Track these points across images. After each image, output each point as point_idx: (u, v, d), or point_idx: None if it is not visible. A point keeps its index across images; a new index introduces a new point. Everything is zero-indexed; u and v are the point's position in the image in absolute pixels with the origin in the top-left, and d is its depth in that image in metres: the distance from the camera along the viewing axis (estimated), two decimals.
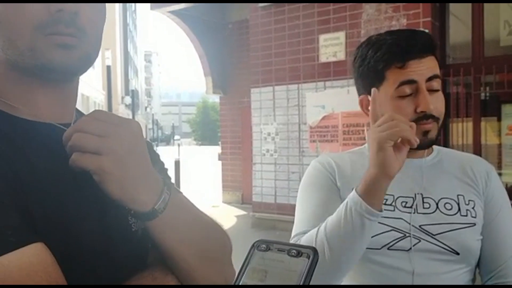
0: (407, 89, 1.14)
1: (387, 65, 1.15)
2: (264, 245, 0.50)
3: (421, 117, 1.13)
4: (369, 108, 1.18)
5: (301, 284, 0.45)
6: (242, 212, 8.73)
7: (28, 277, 0.54)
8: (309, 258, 0.47)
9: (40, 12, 0.64)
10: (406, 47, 1.13)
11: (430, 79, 1.14)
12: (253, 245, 0.50)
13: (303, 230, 1.14)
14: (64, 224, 0.62)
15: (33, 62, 0.65)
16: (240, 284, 0.47)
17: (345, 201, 1.04)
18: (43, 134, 0.66)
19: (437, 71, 1.17)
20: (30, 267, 0.55)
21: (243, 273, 0.48)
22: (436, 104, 1.15)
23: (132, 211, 0.65)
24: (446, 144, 5.87)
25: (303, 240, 1.09)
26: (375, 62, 1.17)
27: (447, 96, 5.93)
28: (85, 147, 0.60)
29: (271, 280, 0.47)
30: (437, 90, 1.17)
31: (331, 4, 6.35)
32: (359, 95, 1.25)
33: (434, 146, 1.30)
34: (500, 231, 1.19)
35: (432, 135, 1.16)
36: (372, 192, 1.00)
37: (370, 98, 1.19)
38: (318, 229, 1.07)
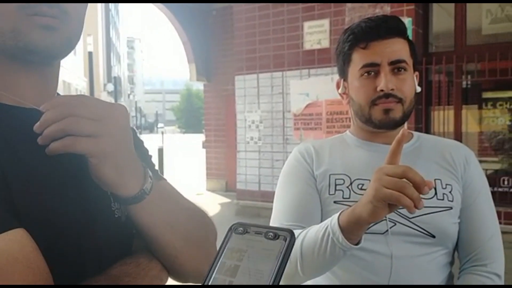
0: (370, 69, 1.19)
1: (352, 46, 1.22)
2: (241, 228, 0.50)
3: (381, 96, 1.17)
4: (339, 90, 1.29)
5: (278, 263, 0.45)
6: (226, 200, 8.75)
7: (7, 263, 0.54)
8: (285, 241, 0.47)
9: None
10: (369, 29, 1.19)
11: (394, 63, 1.18)
12: (230, 228, 0.50)
13: (281, 225, 1.16)
14: (47, 212, 0.61)
15: (15, 43, 0.64)
16: (218, 263, 0.48)
17: (326, 224, 1.02)
18: (25, 120, 0.64)
19: (403, 55, 1.19)
20: (11, 252, 0.54)
21: (221, 253, 0.48)
22: (399, 84, 1.18)
23: (120, 195, 0.65)
24: (427, 131, 5.94)
25: None
26: (343, 44, 1.25)
27: (429, 84, 6.00)
28: (81, 131, 0.59)
29: (249, 259, 0.47)
30: (403, 72, 1.19)
31: None
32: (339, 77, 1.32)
33: (414, 132, 1.34)
34: (478, 215, 1.21)
35: (395, 115, 1.19)
36: (353, 230, 0.97)
37: (342, 82, 1.29)
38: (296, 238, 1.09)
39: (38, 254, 0.57)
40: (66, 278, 0.60)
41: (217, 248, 0.73)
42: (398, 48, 1.19)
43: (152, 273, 0.71)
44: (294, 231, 1.01)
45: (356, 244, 0.98)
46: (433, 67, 5.91)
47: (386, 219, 1.14)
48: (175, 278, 0.76)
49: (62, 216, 0.63)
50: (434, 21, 6.21)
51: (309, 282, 1.20)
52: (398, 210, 1.14)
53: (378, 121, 1.20)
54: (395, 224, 1.14)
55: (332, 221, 1.00)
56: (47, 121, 0.60)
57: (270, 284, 0.44)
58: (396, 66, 1.18)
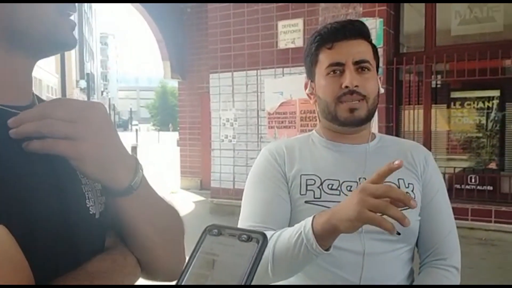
0: (335, 68, 1.24)
1: (318, 47, 1.27)
2: (216, 230, 0.50)
3: (346, 93, 1.22)
4: (307, 91, 1.34)
5: (250, 265, 0.47)
6: (200, 198, 8.73)
7: None
8: (258, 243, 0.48)
9: None
10: (335, 30, 1.25)
11: (358, 62, 1.23)
12: (205, 230, 0.51)
13: (250, 226, 1.19)
14: (24, 208, 0.61)
15: (54, 35, 0.69)
16: (192, 263, 0.49)
17: (299, 230, 1.03)
18: (1, 117, 0.65)
19: (367, 56, 1.25)
20: None
21: (196, 254, 0.50)
22: (362, 82, 1.22)
23: (109, 188, 0.67)
24: (398, 130, 6.06)
25: None
26: (310, 45, 1.30)
27: (399, 83, 6.12)
28: (57, 133, 0.61)
29: (223, 260, 0.48)
30: (367, 72, 1.24)
31: None
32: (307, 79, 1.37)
33: (376, 133, 1.38)
34: (437, 212, 1.27)
35: (360, 114, 1.23)
36: (326, 237, 0.99)
37: (310, 83, 1.33)
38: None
39: (18, 250, 0.58)
40: (42, 273, 0.61)
41: (187, 247, 0.74)
42: (362, 49, 1.25)
43: (127, 270, 0.72)
44: (266, 233, 1.03)
45: (327, 250, 1.00)
46: (404, 67, 6.03)
47: None
48: (146, 274, 0.77)
49: (39, 212, 0.63)
50: (405, 21, 6.33)
51: (283, 282, 1.22)
52: None
53: (343, 119, 1.24)
54: None
55: (306, 227, 1.01)
56: (23, 119, 0.61)
57: (243, 284, 0.45)
58: (360, 66, 1.23)
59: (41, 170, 0.65)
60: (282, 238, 1.08)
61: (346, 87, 1.21)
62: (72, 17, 0.72)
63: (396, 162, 0.92)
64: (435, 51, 6.01)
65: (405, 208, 1.19)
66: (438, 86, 6.63)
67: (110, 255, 0.72)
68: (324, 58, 1.26)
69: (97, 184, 0.75)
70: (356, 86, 1.21)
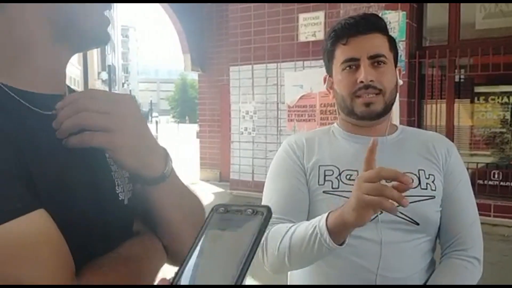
0: (351, 64, 1.25)
1: (334, 43, 1.29)
2: (222, 208, 0.52)
3: (361, 88, 1.23)
4: (325, 86, 1.37)
5: (255, 235, 0.48)
6: (219, 190, 8.77)
7: (36, 241, 0.57)
8: (263, 215, 0.50)
9: None
10: (349, 25, 1.26)
11: (373, 57, 1.24)
12: (212, 209, 0.53)
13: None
14: (62, 193, 0.64)
15: (96, 34, 0.74)
16: (200, 240, 0.51)
17: (314, 224, 1.06)
18: (42, 107, 0.68)
19: (382, 50, 1.26)
20: (37, 232, 0.57)
21: (202, 234, 0.51)
22: (378, 76, 1.23)
23: (142, 177, 0.70)
24: (419, 125, 5.99)
25: (271, 234, 1.18)
26: (326, 41, 1.32)
27: (422, 77, 6.04)
28: (94, 126, 0.64)
29: (226, 238, 0.50)
30: (383, 65, 1.25)
31: None
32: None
33: (399, 125, 1.39)
34: (458, 203, 1.27)
35: (376, 107, 1.25)
36: (340, 232, 1.02)
37: (328, 78, 1.36)
38: (285, 234, 1.14)
39: (59, 233, 0.60)
40: (78, 255, 0.63)
41: None
42: (377, 43, 1.26)
43: (157, 254, 0.76)
44: (283, 224, 1.06)
45: (341, 244, 1.03)
46: (427, 61, 5.94)
47: None
48: (171, 260, 0.80)
49: (75, 198, 0.66)
50: (429, 15, 6.23)
51: (302, 276, 1.25)
52: None
53: (360, 113, 1.26)
54: (381, 212, 1.18)
55: (321, 222, 1.04)
56: (62, 117, 0.65)
57: (247, 254, 0.47)
58: (376, 60, 1.24)
59: (75, 158, 0.67)
60: (298, 230, 1.11)
61: (361, 82, 1.23)
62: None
63: (371, 141, 0.98)
64: (459, 45, 5.90)
65: (428, 197, 1.21)
66: (462, 80, 6.52)
67: (140, 240, 0.76)
68: (340, 54, 1.28)
69: (125, 172, 0.78)
70: (372, 80, 1.22)
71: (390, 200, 0.90)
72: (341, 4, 6.13)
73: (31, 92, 0.68)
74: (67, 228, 0.61)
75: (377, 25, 1.28)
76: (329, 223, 1.02)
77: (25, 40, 0.68)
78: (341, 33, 1.27)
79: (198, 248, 0.50)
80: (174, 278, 0.48)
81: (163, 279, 0.50)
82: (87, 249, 0.65)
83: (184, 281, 0.48)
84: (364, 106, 1.25)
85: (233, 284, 0.45)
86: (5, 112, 0.63)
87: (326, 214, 1.04)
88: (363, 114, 1.26)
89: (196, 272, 0.48)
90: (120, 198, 0.76)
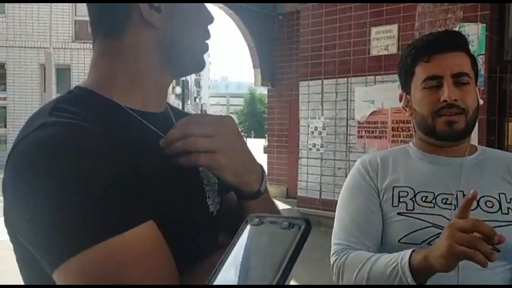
0: (432, 81, 1.22)
1: (414, 60, 1.27)
2: (257, 219, 0.49)
3: (444, 107, 1.20)
4: (402, 104, 1.34)
5: (291, 251, 0.44)
6: (286, 206, 8.73)
7: (152, 249, 0.62)
8: (300, 229, 0.46)
9: None
10: (430, 43, 1.25)
11: (456, 75, 1.21)
12: (246, 220, 0.50)
13: (343, 242, 1.22)
14: (163, 207, 0.70)
15: (198, 61, 0.83)
16: (231, 253, 0.48)
17: (396, 259, 1.06)
18: (155, 125, 0.77)
19: (465, 68, 1.23)
20: (149, 243, 0.63)
21: (233, 246, 0.48)
22: (462, 96, 1.20)
23: (240, 192, 0.78)
24: (500, 144, 5.63)
25: (348, 261, 1.18)
26: (406, 58, 1.30)
27: (503, 93, 5.68)
28: (199, 148, 0.72)
29: (259, 253, 0.47)
30: (466, 84, 1.22)
31: None
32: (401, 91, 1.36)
33: (479, 146, 1.35)
34: None
35: (459, 127, 1.21)
36: (422, 274, 1.02)
37: (405, 95, 1.33)
38: (363, 265, 1.13)
39: (166, 245, 0.66)
40: (176, 263, 0.67)
41: None
42: (459, 61, 1.23)
43: None
44: (360, 252, 1.01)
45: (423, 283, 1.03)
46: (508, 76, 5.59)
47: None
48: None
49: (173, 208, 0.72)
50: (511, 27, 5.88)
51: None
52: None
53: (441, 132, 1.23)
54: None
55: (403, 260, 1.04)
56: (172, 139, 0.73)
57: (280, 274, 0.43)
58: (459, 79, 1.22)
59: (173, 172, 0.74)
60: (378, 264, 1.10)
61: (445, 101, 1.20)
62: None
63: (471, 192, 0.96)
64: None
65: (509, 223, 1.12)
66: None
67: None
68: (421, 71, 1.25)
69: (214, 185, 0.85)
70: (455, 100, 1.19)
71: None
72: (416, 16, 5.93)
73: (143, 111, 0.77)
74: (167, 238, 0.66)
75: (460, 43, 1.25)
76: (413, 264, 1.02)
77: (140, 65, 0.77)
78: (422, 50, 1.25)
79: (228, 260, 0.47)
80: None
81: None
82: (181, 258, 0.69)
83: None
84: (446, 125, 1.21)
85: None
86: (123, 128, 0.71)
87: (409, 252, 1.04)
88: (445, 134, 1.22)
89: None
90: (210, 210, 0.82)
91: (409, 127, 5.95)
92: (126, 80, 0.76)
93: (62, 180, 0.61)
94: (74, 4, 15.48)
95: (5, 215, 0.67)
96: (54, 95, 11.14)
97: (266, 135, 10.55)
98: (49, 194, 0.60)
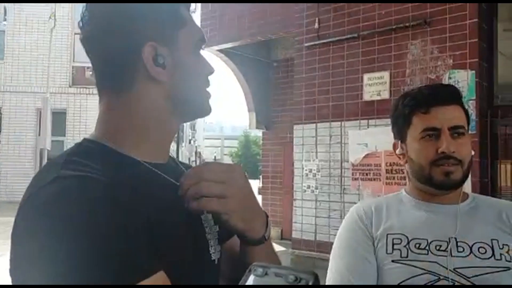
0: (430, 133, 1.25)
1: (412, 111, 1.29)
2: (261, 269, 0.46)
3: (442, 158, 1.23)
4: (397, 151, 1.36)
5: None
6: (281, 248, 8.62)
7: None
8: (307, 285, 0.43)
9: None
10: (429, 95, 1.28)
11: (453, 128, 1.25)
12: (249, 269, 0.47)
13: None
14: (172, 258, 0.71)
15: (204, 107, 0.87)
16: None
17: None
18: (159, 174, 0.79)
19: (461, 121, 1.27)
20: None
21: None
22: (458, 148, 1.24)
23: (245, 238, 0.80)
24: (493, 186, 5.69)
25: None
26: (403, 108, 1.32)
27: (494, 137, 5.79)
28: (211, 193, 0.74)
29: None
30: (462, 136, 1.26)
31: (376, 44, 6.41)
32: (394, 139, 1.39)
33: (470, 193, 1.36)
34: None
35: (456, 177, 1.24)
36: None
37: (400, 143, 1.35)
38: None
39: None
40: None
41: None
42: (457, 115, 1.27)
43: None
44: None
45: None
46: (499, 120, 5.72)
47: (448, 279, 1.14)
48: None
49: (184, 259, 0.74)
50: (500, 72, 6.05)
51: None
52: (457, 270, 1.16)
53: (439, 182, 1.24)
54: (454, 283, 1.14)
55: None
56: (188, 184, 0.75)
57: None
58: (456, 131, 1.25)
59: (183, 224, 0.77)
60: None
61: (443, 152, 1.22)
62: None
63: None
64: None
65: (503, 269, 1.14)
66: None
67: None
68: (418, 122, 1.28)
69: (216, 233, 0.87)
70: (453, 152, 1.22)
71: None
72: (407, 64, 6.11)
73: (153, 163, 0.79)
74: (175, 283, 0.67)
75: (456, 97, 1.30)
76: None
77: (148, 118, 0.79)
78: (422, 101, 1.28)
79: None
80: None
81: None
82: None
83: None
84: (444, 175, 1.24)
85: None
86: (136, 180, 0.73)
87: None
88: (442, 184, 1.25)
89: None
90: (212, 259, 0.84)
91: (403, 169, 6.02)
92: (135, 133, 0.79)
93: (80, 232, 0.61)
94: (72, 50, 15.65)
95: (11, 260, 0.67)
96: (49, 138, 11.17)
97: (261, 177, 10.55)
98: (66, 246, 0.61)
